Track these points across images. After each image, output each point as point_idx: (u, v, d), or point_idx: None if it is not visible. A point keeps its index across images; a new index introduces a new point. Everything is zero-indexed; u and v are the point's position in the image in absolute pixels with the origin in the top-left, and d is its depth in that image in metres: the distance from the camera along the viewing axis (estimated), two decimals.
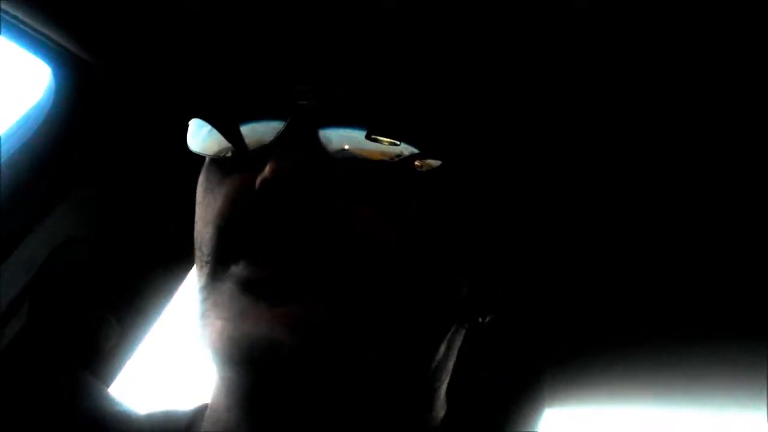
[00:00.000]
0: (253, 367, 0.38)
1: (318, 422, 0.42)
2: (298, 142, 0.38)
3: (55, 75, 0.69)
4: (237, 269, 0.39)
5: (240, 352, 0.37)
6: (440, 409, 0.48)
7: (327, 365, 0.39)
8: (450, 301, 0.44)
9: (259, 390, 0.40)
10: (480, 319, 0.46)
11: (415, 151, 0.39)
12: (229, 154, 0.42)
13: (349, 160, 0.39)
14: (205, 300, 0.41)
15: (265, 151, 0.39)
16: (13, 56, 0.66)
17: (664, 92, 0.54)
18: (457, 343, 0.47)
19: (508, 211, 0.47)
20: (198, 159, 0.77)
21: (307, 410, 0.41)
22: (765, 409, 0.66)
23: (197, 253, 0.43)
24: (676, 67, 0.53)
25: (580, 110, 0.51)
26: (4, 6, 0.61)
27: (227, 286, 0.39)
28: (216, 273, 0.41)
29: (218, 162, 0.43)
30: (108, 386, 0.80)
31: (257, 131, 0.40)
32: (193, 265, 0.81)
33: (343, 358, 0.39)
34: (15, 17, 0.63)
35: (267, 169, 0.38)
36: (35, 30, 0.64)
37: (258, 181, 0.38)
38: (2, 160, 0.67)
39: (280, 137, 0.39)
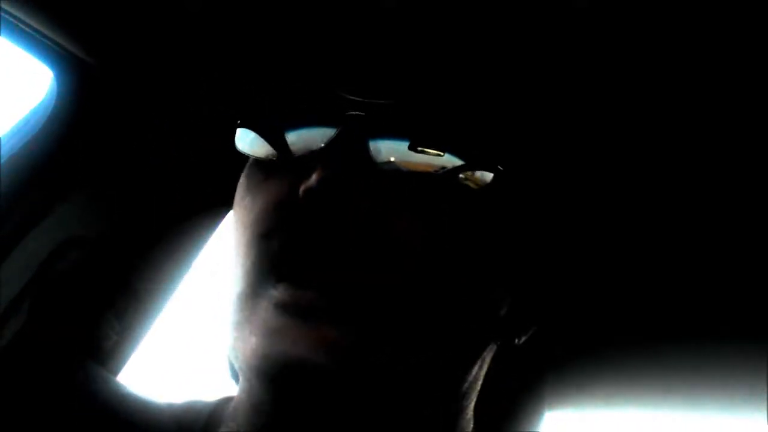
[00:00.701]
0: (288, 386, 0.38)
1: None
2: (345, 152, 0.38)
3: (57, 77, 0.69)
4: (275, 291, 0.39)
5: (275, 371, 0.37)
6: (467, 426, 0.47)
7: (363, 390, 0.38)
8: (489, 319, 0.43)
9: (290, 407, 0.40)
10: (516, 339, 0.45)
11: (461, 162, 0.39)
12: (274, 158, 0.41)
13: (395, 171, 0.39)
14: (240, 311, 0.40)
15: (311, 158, 0.39)
16: (15, 58, 0.66)
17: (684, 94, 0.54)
18: (488, 361, 0.47)
19: (547, 225, 0.46)
20: (199, 160, 0.77)
21: (336, 429, 0.41)
22: (765, 411, 0.66)
23: (235, 254, 0.42)
24: (685, 67, 0.53)
25: (609, 126, 0.51)
26: (5, 8, 0.61)
27: (264, 304, 0.39)
28: (252, 291, 0.40)
29: (261, 164, 0.42)
30: None
31: (304, 138, 0.40)
32: (191, 263, 0.82)
33: (379, 383, 0.38)
34: (16, 19, 0.62)
35: (313, 177, 0.37)
36: (37, 32, 0.64)
37: (302, 189, 0.38)
38: (3, 160, 0.67)
39: (329, 146, 0.39)
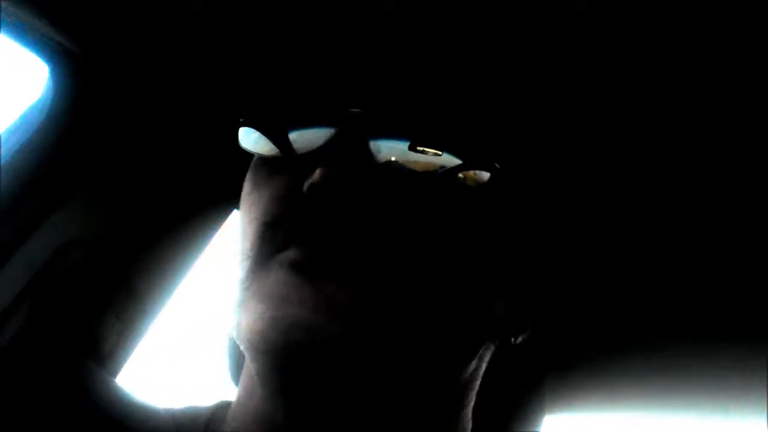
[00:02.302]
0: (290, 352, 0.38)
1: (346, 418, 0.41)
2: (347, 150, 0.39)
3: (54, 73, 0.69)
4: (286, 253, 0.40)
5: (278, 335, 0.37)
6: (464, 428, 0.48)
7: (363, 358, 0.39)
8: (484, 316, 0.44)
9: (289, 379, 0.40)
10: (512, 339, 0.46)
11: (459, 162, 0.40)
12: (278, 156, 0.42)
13: (395, 169, 0.40)
14: (246, 290, 0.41)
15: (314, 156, 0.40)
16: (12, 55, 0.66)
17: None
18: (485, 362, 0.47)
19: (545, 225, 0.47)
20: (197, 158, 0.77)
21: (336, 404, 0.41)
22: (766, 413, 0.66)
23: (241, 244, 0.43)
24: (685, 69, 0.53)
25: (614, 130, 0.51)
26: (3, 4, 0.61)
27: (273, 271, 0.40)
28: (259, 263, 0.41)
29: (266, 161, 0.44)
30: None
31: (307, 137, 0.41)
32: (192, 262, 0.82)
33: (379, 353, 0.39)
34: (13, 15, 0.62)
35: (316, 174, 0.38)
36: (33, 28, 0.64)
37: (306, 185, 0.39)
38: (3, 161, 0.67)
39: (330, 144, 0.40)
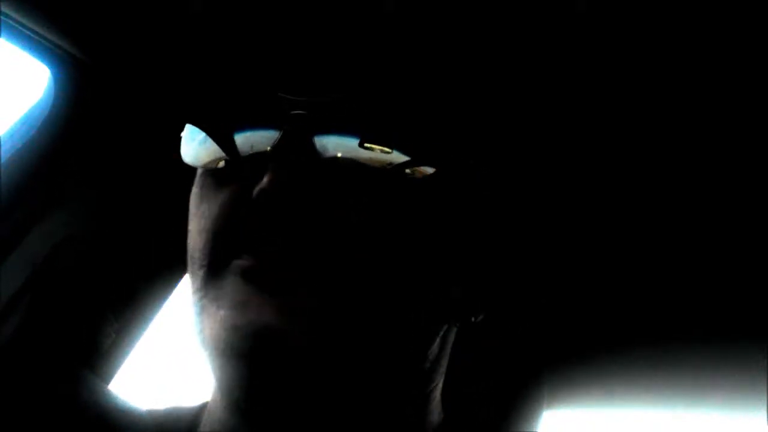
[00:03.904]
0: (255, 358, 0.38)
1: (313, 421, 0.42)
2: (294, 151, 0.39)
3: (54, 76, 0.69)
4: (238, 262, 0.40)
5: (243, 342, 0.38)
6: (436, 412, 0.48)
7: (328, 356, 0.39)
8: (441, 300, 0.44)
9: (256, 384, 0.40)
10: (472, 319, 0.46)
11: (407, 158, 0.40)
12: (221, 165, 0.42)
13: (343, 167, 0.40)
14: (203, 298, 0.41)
15: (260, 160, 0.40)
16: (13, 58, 0.66)
17: (658, 95, 0.55)
18: (449, 344, 0.48)
19: (497, 214, 0.47)
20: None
21: (303, 407, 0.41)
22: (765, 410, 0.66)
23: (190, 261, 0.43)
24: (671, 70, 0.53)
25: (567, 114, 0.52)
26: (3, 8, 0.61)
27: (229, 280, 0.40)
28: (214, 272, 0.41)
29: (211, 172, 0.43)
30: (107, 384, 0.80)
31: (251, 140, 0.41)
32: None
33: (343, 350, 0.39)
34: (14, 19, 0.63)
35: (265, 179, 0.38)
36: (34, 31, 0.65)
37: (256, 190, 0.39)
38: (2, 160, 0.67)
39: (277, 146, 0.40)
